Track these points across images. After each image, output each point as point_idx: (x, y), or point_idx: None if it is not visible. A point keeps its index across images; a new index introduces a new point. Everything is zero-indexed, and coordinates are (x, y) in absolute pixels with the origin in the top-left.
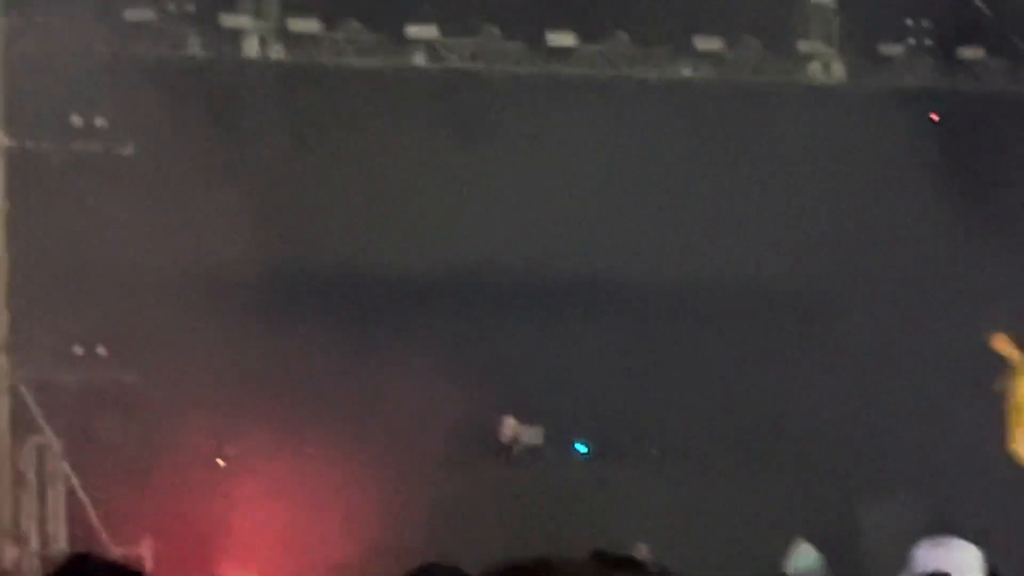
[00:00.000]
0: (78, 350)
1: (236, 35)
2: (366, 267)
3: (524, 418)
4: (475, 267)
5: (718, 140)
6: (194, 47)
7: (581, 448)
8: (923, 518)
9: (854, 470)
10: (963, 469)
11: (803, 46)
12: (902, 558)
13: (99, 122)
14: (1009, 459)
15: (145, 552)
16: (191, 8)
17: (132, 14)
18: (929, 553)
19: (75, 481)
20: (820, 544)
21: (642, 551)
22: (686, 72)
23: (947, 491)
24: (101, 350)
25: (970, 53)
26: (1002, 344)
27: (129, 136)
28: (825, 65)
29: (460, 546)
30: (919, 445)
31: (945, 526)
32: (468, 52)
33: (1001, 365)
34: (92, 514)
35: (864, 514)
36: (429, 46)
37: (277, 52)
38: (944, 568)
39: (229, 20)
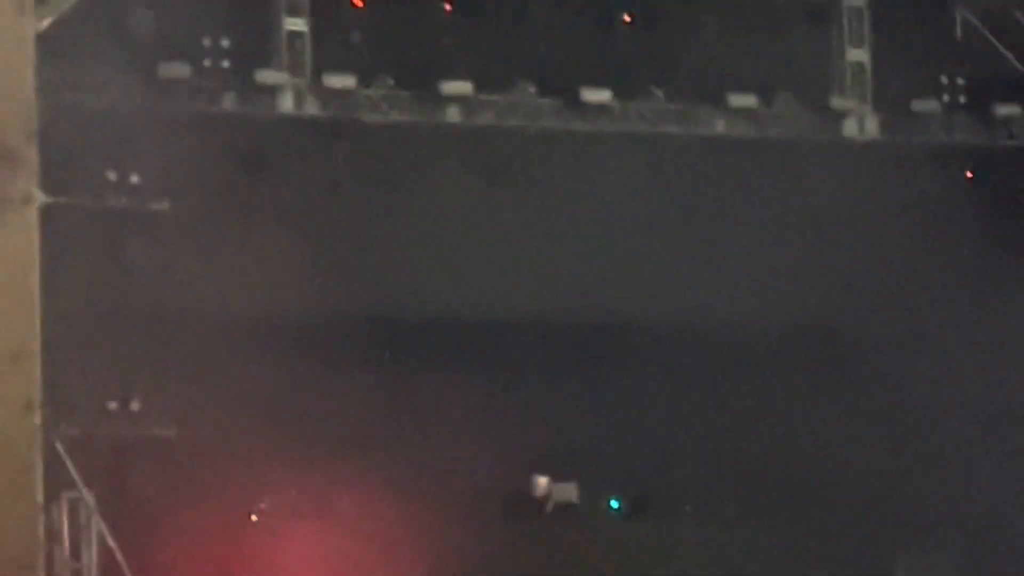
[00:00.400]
0: (112, 405)
1: (271, 91)
2: (399, 322)
3: (557, 474)
4: (508, 322)
5: (753, 195)
6: (229, 103)
7: (615, 504)
8: (962, 571)
9: (891, 524)
10: (1004, 521)
11: (838, 102)
12: None
13: (134, 178)
14: None
15: None
16: (226, 64)
17: (167, 70)
18: None
19: (109, 537)
20: None
21: None
22: (720, 128)
23: (986, 544)
24: (135, 404)
25: (1006, 110)
26: None
27: (164, 192)
28: (860, 121)
29: None
30: (957, 496)
31: None
32: (502, 108)
33: None
34: (126, 569)
35: (901, 570)
36: (463, 102)
37: (312, 108)
38: None
39: (264, 76)
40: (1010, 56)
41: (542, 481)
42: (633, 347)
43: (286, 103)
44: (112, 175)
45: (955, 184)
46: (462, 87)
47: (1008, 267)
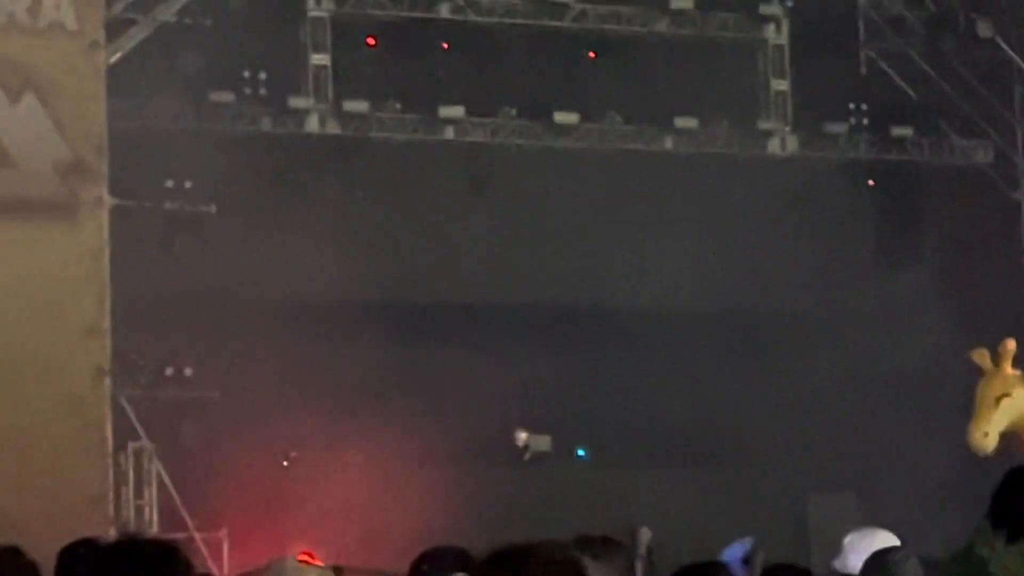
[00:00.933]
0: (169, 371)
1: (300, 114)
2: (404, 304)
3: (535, 428)
4: (494, 306)
5: (694, 201)
6: (266, 124)
7: (581, 453)
8: (863, 513)
9: (807, 471)
10: (900, 471)
11: (763, 124)
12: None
13: (187, 185)
14: (942, 464)
15: (223, 536)
16: (264, 92)
17: (215, 96)
18: (857, 541)
19: (166, 479)
20: (774, 531)
21: (644, 534)
22: (668, 145)
23: (885, 490)
24: (188, 371)
25: (901, 131)
26: (979, 356)
27: (212, 196)
28: (782, 140)
29: (481, 533)
30: (859, 447)
31: (881, 520)
32: (489, 129)
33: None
34: (180, 506)
35: (813, 507)
36: (457, 123)
37: (333, 128)
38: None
39: (295, 102)
40: (905, 87)
41: (522, 434)
42: (594, 328)
43: (312, 124)
44: (169, 183)
45: (859, 192)
46: (456, 111)
47: (900, 259)
